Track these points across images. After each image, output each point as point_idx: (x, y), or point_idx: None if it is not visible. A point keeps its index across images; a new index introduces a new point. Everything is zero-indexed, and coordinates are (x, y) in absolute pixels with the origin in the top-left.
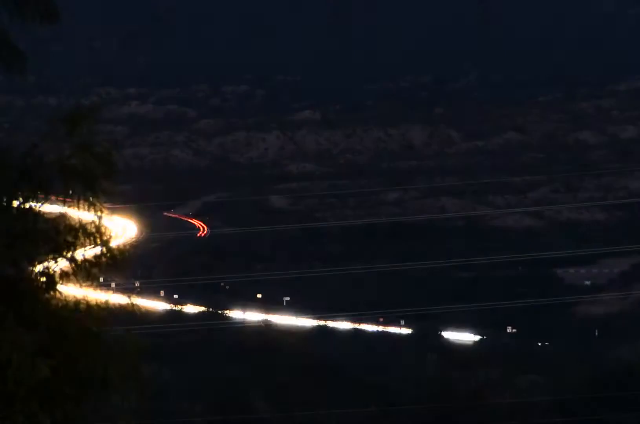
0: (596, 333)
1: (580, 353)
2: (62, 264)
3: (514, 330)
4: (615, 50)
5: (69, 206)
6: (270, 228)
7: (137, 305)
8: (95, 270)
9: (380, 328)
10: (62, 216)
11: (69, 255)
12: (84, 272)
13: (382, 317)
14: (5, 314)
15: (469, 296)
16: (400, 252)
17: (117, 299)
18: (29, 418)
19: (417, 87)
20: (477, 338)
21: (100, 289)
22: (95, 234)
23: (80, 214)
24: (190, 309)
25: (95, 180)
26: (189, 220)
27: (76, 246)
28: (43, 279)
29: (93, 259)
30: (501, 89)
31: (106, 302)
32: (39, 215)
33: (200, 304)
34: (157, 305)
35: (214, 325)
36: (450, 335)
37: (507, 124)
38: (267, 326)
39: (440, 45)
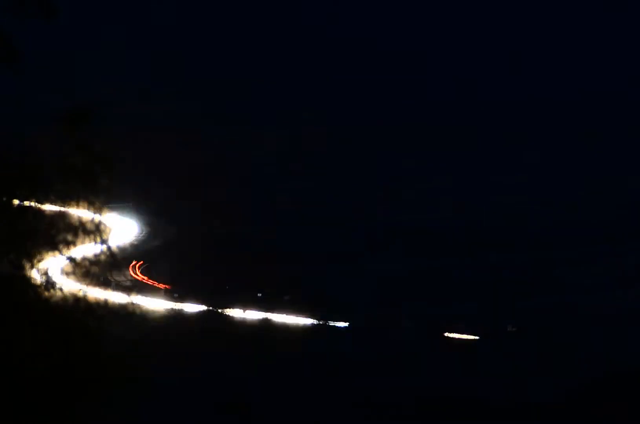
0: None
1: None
2: (62, 262)
3: (514, 329)
4: None
5: (68, 205)
6: None
7: (137, 304)
8: (94, 268)
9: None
10: (62, 215)
11: (68, 253)
12: (84, 270)
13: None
14: (5, 313)
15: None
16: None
17: (117, 297)
18: (30, 416)
19: None
20: (476, 337)
21: (100, 288)
22: (94, 233)
23: (79, 213)
24: (191, 307)
25: (94, 179)
26: None
27: (76, 244)
28: (43, 277)
29: (92, 258)
30: None
31: (106, 301)
32: (38, 214)
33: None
34: (157, 303)
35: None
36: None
37: None
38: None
39: None
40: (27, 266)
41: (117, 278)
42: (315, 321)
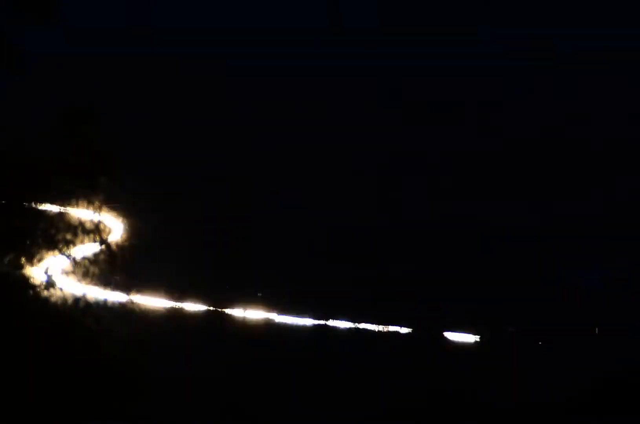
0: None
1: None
2: (62, 262)
3: (514, 329)
4: None
5: (68, 205)
6: None
7: (136, 303)
8: (94, 268)
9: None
10: (62, 214)
11: (68, 253)
12: (84, 270)
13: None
14: (5, 313)
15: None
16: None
17: (117, 297)
18: (30, 415)
19: None
20: (477, 337)
21: (100, 287)
22: (94, 232)
23: (79, 212)
24: (191, 306)
25: (95, 179)
26: None
27: (75, 243)
28: (43, 277)
29: (92, 257)
30: None
31: (106, 301)
32: (38, 214)
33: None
34: (157, 303)
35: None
36: (450, 335)
37: None
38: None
39: None
40: (27, 266)
41: (117, 278)
42: (315, 321)
